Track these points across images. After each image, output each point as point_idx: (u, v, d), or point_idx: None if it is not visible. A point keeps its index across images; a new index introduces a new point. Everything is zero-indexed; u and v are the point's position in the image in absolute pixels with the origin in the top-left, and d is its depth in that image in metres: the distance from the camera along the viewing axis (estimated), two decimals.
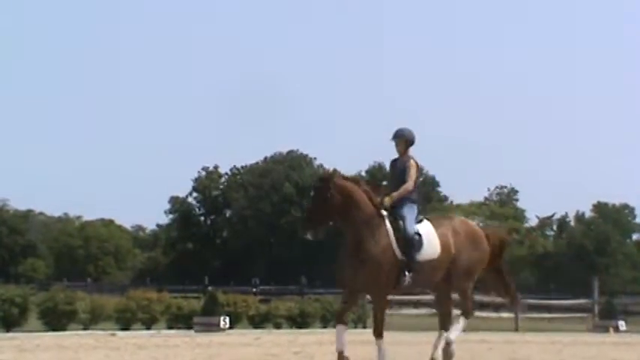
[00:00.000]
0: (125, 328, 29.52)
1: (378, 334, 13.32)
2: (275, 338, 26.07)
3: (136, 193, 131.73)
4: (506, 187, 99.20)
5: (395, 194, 13.61)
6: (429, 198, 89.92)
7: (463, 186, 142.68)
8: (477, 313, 41.13)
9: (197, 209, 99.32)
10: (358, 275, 13.35)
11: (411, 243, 13.30)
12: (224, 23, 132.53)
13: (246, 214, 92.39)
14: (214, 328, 29.45)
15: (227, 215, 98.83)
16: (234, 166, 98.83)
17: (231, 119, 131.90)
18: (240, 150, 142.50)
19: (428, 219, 13.89)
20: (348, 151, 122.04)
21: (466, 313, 14.18)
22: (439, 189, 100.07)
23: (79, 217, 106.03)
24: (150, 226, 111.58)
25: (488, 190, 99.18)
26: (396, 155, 14.04)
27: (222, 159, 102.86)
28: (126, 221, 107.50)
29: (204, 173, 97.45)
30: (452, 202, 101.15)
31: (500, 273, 14.79)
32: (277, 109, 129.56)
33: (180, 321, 31.29)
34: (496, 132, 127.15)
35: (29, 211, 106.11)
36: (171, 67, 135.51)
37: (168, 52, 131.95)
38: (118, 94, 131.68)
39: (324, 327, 32.37)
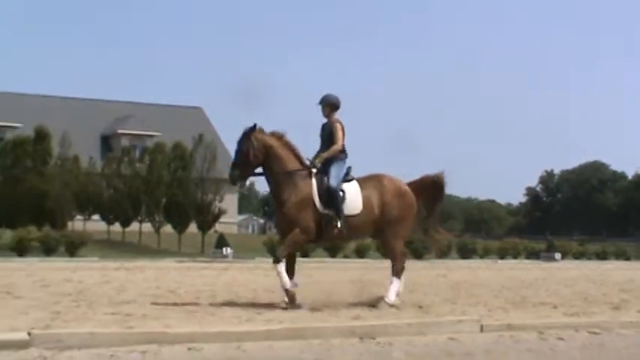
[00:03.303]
0: None
1: (276, 260, 10.39)
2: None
3: None
4: None
5: (325, 154, 10.74)
6: None
7: None
8: None
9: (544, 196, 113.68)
10: (281, 224, 10.86)
11: (333, 197, 10.49)
12: None
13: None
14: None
15: (559, 197, 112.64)
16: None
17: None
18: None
19: (357, 179, 10.90)
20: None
21: (396, 273, 10.79)
22: None
23: None
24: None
25: None
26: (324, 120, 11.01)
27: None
28: None
29: (545, 174, 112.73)
30: None
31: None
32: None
33: None
34: None
35: None
36: None
37: None
38: None
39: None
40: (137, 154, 46.10)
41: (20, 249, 30.37)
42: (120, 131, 56.16)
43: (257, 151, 10.47)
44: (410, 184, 11.18)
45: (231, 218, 53.88)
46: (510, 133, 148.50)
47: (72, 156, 44.70)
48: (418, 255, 37.28)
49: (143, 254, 34.94)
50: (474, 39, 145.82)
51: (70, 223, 42.35)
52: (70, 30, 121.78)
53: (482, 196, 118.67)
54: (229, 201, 48.61)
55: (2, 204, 41.95)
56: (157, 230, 41.83)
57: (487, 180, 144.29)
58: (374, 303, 10.40)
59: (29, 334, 7.03)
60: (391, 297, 10.51)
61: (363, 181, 10.87)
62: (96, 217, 43.39)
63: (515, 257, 39.81)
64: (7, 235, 31.57)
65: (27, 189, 41.68)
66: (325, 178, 10.60)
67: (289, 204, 10.44)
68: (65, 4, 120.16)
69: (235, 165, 10.59)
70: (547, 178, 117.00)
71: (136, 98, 59.85)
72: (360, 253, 35.32)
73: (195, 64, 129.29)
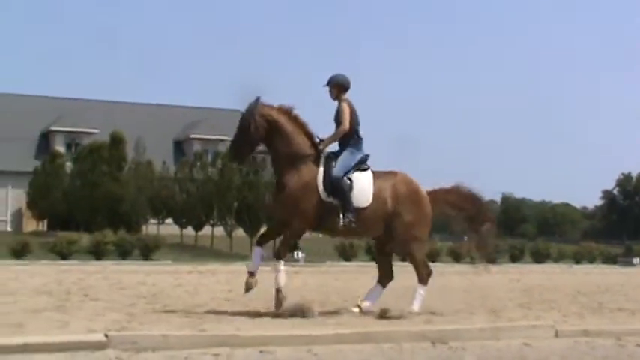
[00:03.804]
0: None
1: (278, 256, 9.41)
2: None
3: None
4: None
5: (328, 139, 9.64)
6: None
7: None
8: None
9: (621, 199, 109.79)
10: (278, 207, 9.73)
11: (337, 186, 9.31)
12: None
13: None
14: None
15: (636, 200, 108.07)
16: None
17: None
18: None
19: (373, 171, 9.69)
20: None
21: (421, 280, 9.83)
22: None
23: None
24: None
25: None
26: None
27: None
28: None
29: (622, 177, 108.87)
30: None
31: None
32: None
33: None
34: None
35: None
36: None
37: None
38: None
39: None
40: (209, 158, 46.71)
41: (97, 252, 31.10)
42: (192, 136, 57.00)
43: (258, 125, 9.34)
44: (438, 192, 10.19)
45: None
46: (586, 135, 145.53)
47: (146, 161, 45.57)
48: (490, 260, 36.89)
49: (215, 258, 35.38)
50: (544, 37, 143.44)
51: (144, 227, 43.23)
52: (141, 37, 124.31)
53: (557, 199, 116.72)
54: None
55: (80, 208, 43.06)
56: (229, 234, 42.33)
57: (562, 183, 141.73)
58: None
59: (106, 335, 7.18)
60: (416, 306, 9.67)
61: (378, 174, 9.76)
62: (169, 221, 44.13)
63: (591, 262, 38.97)
64: (85, 238, 32.36)
65: (103, 194, 42.72)
66: (333, 164, 9.52)
67: (290, 189, 9.35)
68: (134, 11, 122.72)
69: (234, 142, 9.52)
70: (624, 181, 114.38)
71: (207, 103, 60.60)
72: (432, 256, 35.07)
73: (264, 67, 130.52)
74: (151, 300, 11.30)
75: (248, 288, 9.42)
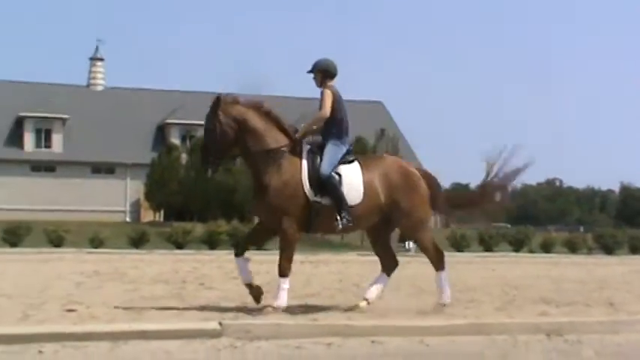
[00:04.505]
0: None
1: (282, 273, 8.76)
2: None
3: None
4: None
5: (305, 124, 8.97)
6: None
7: None
8: None
9: None
10: (263, 214, 9.01)
11: (326, 184, 8.53)
12: None
13: None
14: None
15: None
16: None
17: None
18: None
19: (359, 161, 8.92)
20: None
21: (439, 267, 9.09)
22: None
23: None
24: None
25: None
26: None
27: None
28: None
29: None
30: None
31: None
32: None
33: None
34: None
35: None
36: None
37: None
38: None
39: None
40: None
41: (211, 242, 31.81)
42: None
43: (226, 127, 8.55)
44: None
45: None
46: None
47: None
48: (609, 250, 35.74)
49: (327, 248, 35.60)
50: None
51: (256, 217, 43.94)
52: (251, 29, 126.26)
53: None
54: None
55: (194, 199, 44.18)
56: None
57: None
58: None
59: (220, 324, 7.35)
60: (446, 297, 8.95)
61: (365, 163, 8.96)
62: None
63: None
64: (199, 228, 33.18)
65: (216, 185, 43.68)
66: (318, 160, 8.67)
67: (272, 190, 8.51)
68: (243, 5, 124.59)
69: (204, 148, 8.75)
70: None
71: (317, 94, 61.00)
72: (546, 247, 34.27)
73: (375, 58, 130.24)
74: (264, 289, 11.48)
75: (257, 298, 8.93)
